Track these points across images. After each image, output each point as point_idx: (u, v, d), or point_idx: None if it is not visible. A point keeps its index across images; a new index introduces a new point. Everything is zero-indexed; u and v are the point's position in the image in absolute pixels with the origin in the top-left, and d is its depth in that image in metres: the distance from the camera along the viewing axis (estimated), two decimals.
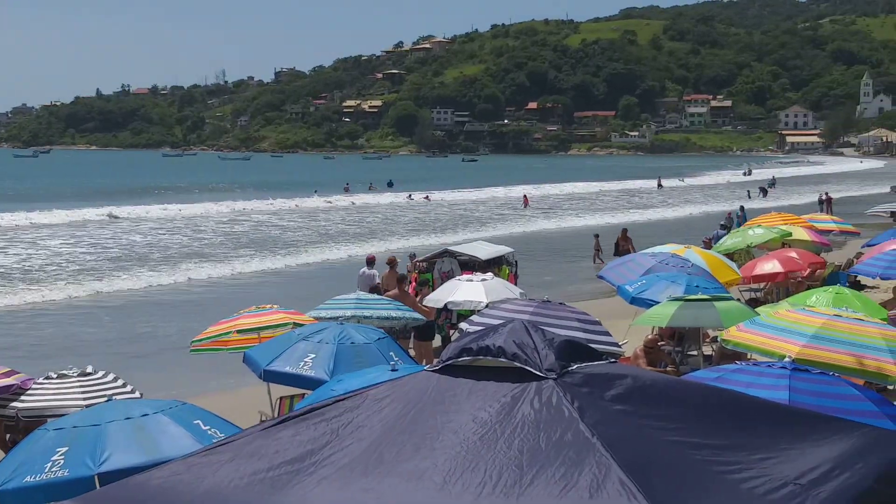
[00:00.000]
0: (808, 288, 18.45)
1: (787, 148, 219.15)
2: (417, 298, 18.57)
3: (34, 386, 9.92)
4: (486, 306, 15.77)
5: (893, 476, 3.74)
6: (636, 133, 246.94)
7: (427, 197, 76.51)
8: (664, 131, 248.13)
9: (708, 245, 27.07)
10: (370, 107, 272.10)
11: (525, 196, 73.23)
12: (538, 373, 3.93)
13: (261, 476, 3.84)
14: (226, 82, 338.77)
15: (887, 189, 73.96)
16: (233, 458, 3.98)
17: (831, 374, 8.30)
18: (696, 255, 20.66)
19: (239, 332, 14.06)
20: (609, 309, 20.41)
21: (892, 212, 44.88)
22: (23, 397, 9.77)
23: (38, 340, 22.35)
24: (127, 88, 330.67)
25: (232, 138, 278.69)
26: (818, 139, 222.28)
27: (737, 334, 11.16)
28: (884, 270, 19.91)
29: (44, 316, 25.82)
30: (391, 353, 10.95)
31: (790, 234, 25.91)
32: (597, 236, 36.23)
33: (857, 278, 23.37)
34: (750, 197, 72.98)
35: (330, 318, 13.64)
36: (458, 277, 18.84)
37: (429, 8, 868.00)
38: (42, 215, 55.60)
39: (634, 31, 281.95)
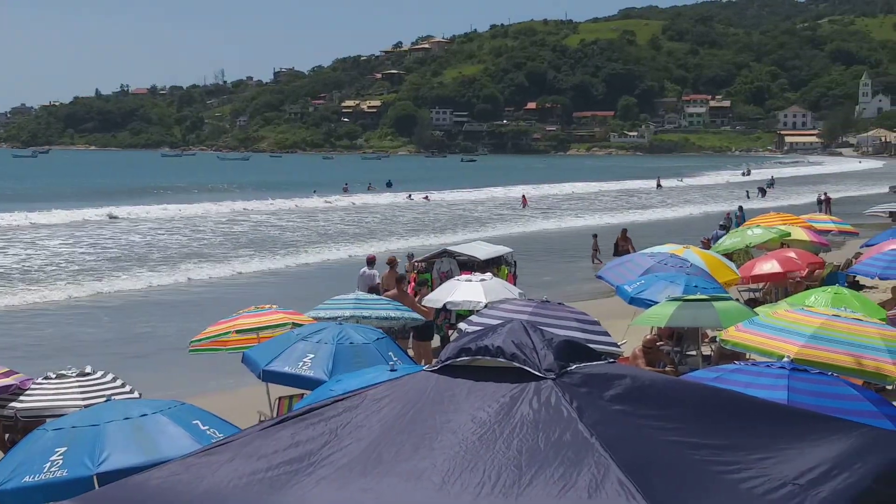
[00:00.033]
0: (807, 288, 18.45)
1: (785, 148, 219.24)
2: (416, 298, 18.57)
3: (33, 386, 9.92)
4: (485, 306, 15.78)
5: (892, 476, 3.74)
6: (635, 133, 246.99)
7: (426, 197, 76.53)
8: (663, 131, 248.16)
9: (706, 245, 27.08)
10: (369, 107, 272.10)
11: (524, 196, 73.26)
12: (537, 373, 3.93)
13: (259, 476, 3.84)
14: (225, 82, 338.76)
15: (886, 189, 73.97)
16: (232, 459, 3.98)
17: (830, 374, 8.30)
18: (694, 255, 20.67)
19: (238, 332, 14.07)
20: (608, 309, 20.41)
21: (890, 212, 44.91)
22: (21, 397, 9.77)
23: (36, 340, 22.35)
24: (126, 88, 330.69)
25: (231, 138, 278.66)
26: (817, 139, 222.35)
27: (735, 334, 11.17)
28: (882, 270, 19.91)
29: (42, 316, 25.82)
30: (390, 354, 10.96)
31: (789, 235, 25.92)
32: (595, 236, 36.25)
33: (856, 278, 23.38)
34: (749, 197, 73.01)
35: (329, 319, 13.64)
36: (456, 277, 18.85)
37: (428, 8, 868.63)
38: (41, 215, 55.58)
39: (633, 32, 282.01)
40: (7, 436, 9.84)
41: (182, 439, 7.04)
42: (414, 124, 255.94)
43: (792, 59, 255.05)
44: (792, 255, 21.96)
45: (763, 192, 77.45)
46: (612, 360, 4.31)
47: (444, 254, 23.31)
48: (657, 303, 15.32)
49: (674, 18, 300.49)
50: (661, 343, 16.44)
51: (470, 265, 21.95)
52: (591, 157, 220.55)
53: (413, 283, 21.09)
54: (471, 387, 4.01)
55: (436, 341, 19.25)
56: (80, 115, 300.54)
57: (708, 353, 16.38)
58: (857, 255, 25.92)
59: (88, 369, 9.99)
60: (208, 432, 7.20)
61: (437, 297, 17.80)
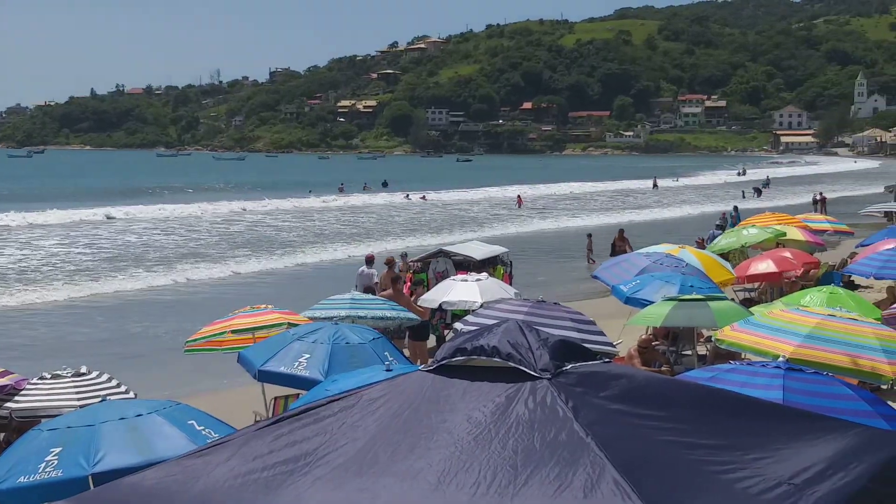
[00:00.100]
0: (803, 288, 18.47)
1: (781, 148, 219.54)
2: (412, 298, 18.57)
3: (28, 386, 9.91)
4: (481, 306, 15.78)
5: (887, 476, 3.74)
6: (631, 133, 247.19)
7: (424, 197, 76.56)
8: (659, 131, 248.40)
9: (701, 245, 27.12)
10: (365, 107, 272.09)
11: (519, 196, 73.29)
12: (532, 373, 3.93)
13: (255, 476, 3.84)
14: (220, 82, 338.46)
15: (881, 189, 74.02)
16: (227, 459, 3.97)
17: (825, 373, 8.31)
18: (690, 255, 20.69)
19: (233, 332, 14.06)
20: (603, 309, 20.44)
21: (886, 211, 44.92)
22: (17, 398, 9.75)
23: (32, 341, 22.33)
24: (121, 88, 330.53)
25: (226, 138, 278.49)
26: (812, 139, 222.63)
27: (731, 334, 11.18)
28: (878, 270, 19.93)
29: (38, 316, 25.79)
30: (386, 354, 10.95)
31: (784, 234, 25.95)
32: (590, 236, 36.27)
33: (851, 278, 23.42)
34: (744, 197, 73.11)
35: (325, 319, 13.65)
36: (452, 277, 18.84)
37: (423, 8, 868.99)
38: (37, 215, 55.50)
39: (629, 31, 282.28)
40: (2, 436, 9.82)
41: (177, 439, 7.03)
42: (410, 124, 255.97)
43: (787, 59, 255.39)
44: (787, 254, 21.99)
45: (759, 191, 77.57)
46: (607, 359, 4.31)
47: (440, 254, 23.31)
48: (653, 302, 15.33)
49: (669, 18, 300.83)
50: (657, 343, 16.45)
51: (466, 265, 21.96)
52: (586, 157, 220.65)
53: (409, 283, 21.10)
54: (466, 387, 4.01)
55: (431, 341, 19.24)
56: (76, 114, 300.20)
57: (703, 352, 16.38)
58: (853, 254, 25.98)
59: (84, 369, 9.98)
60: (204, 432, 7.20)
61: (433, 297, 17.80)
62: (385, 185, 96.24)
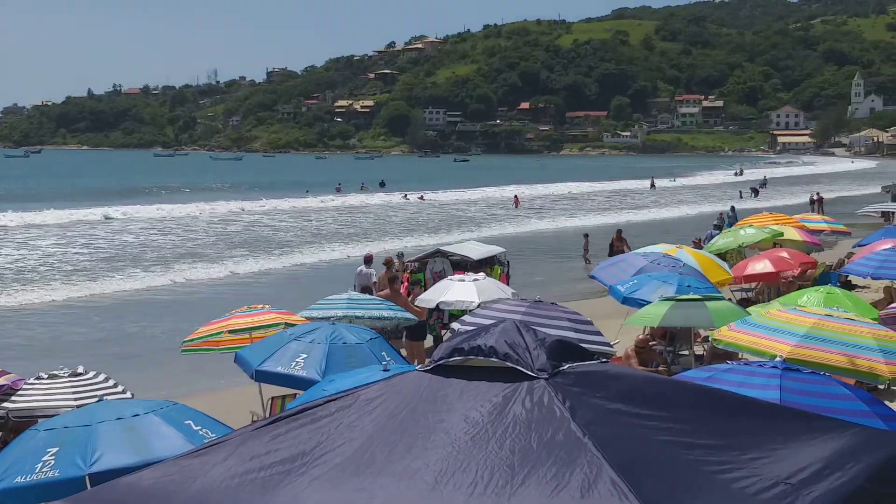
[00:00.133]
0: (800, 288, 18.50)
1: (778, 148, 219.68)
2: (409, 298, 18.57)
3: (25, 386, 9.90)
4: (478, 306, 15.77)
5: (884, 475, 3.75)
6: (628, 133, 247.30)
7: (422, 197, 76.57)
8: (656, 131, 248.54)
9: (698, 245, 27.12)
10: (362, 107, 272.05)
11: (516, 196, 73.30)
12: (530, 373, 3.93)
13: (252, 476, 3.83)
14: (217, 82, 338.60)
15: (878, 189, 74.08)
16: (224, 459, 3.97)
17: (822, 373, 8.31)
18: (687, 255, 20.70)
19: (230, 332, 14.05)
20: (601, 309, 20.44)
21: (882, 212, 44.96)
22: (13, 398, 9.74)
23: (29, 341, 22.31)
24: (118, 88, 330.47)
25: (223, 138, 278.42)
26: (809, 139, 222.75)
27: (728, 334, 11.18)
28: (875, 270, 19.95)
29: (35, 316, 25.77)
30: (383, 353, 10.96)
31: (781, 234, 25.97)
32: (586, 236, 36.29)
33: (848, 278, 23.43)
34: (741, 197, 73.17)
35: (322, 319, 13.63)
36: (450, 277, 18.84)
37: (421, 8, 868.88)
38: (34, 215, 55.47)
39: (626, 32, 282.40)
40: None
41: (174, 439, 7.02)
42: (407, 124, 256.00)
43: (784, 60, 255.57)
44: (784, 254, 22.00)
45: (756, 192, 77.63)
46: (604, 359, 4.31)
47: (438, 254, 23.31)
48: (650, 302, 15.33)
49: (667, 19, 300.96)
50: (654, 343, 16.47)
51: (463, 265, 21.95)
52: (584, 157, 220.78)
53: (406, 283, 21.10)
54: (463, 387, 4.01)
55: (429, 341, 19.24)
56: (73, 114, 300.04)
57: (700, 352, 16.40)
58: (850, 254, 25.98)
59: (81, 369, 9.97)
60: (201, 432, 7.19)
61: (430, 297, 17.80)
62: (382, 185, 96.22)
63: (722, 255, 24.06)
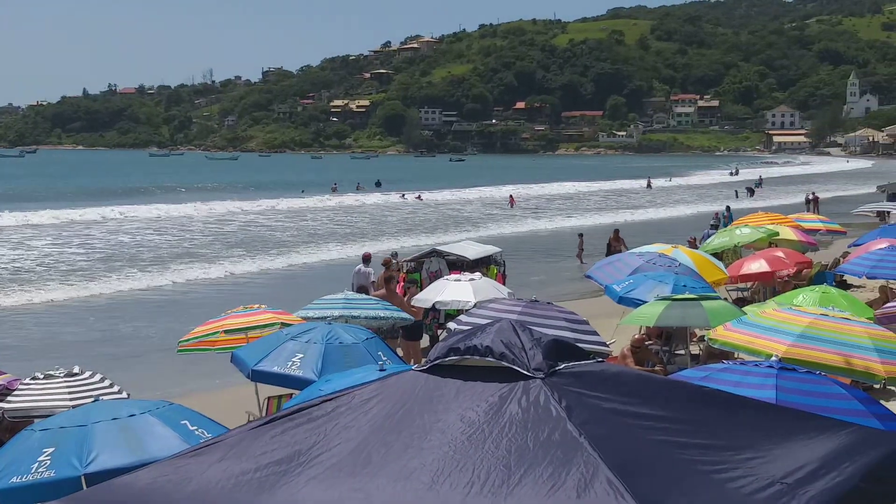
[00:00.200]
0: (795, 287, 18.49)
1: (773, 148, 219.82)
2: (405, 298, 18.56)
3: (20, 386, 9.87)
4: (474, 306, 15.77)
5: (880, 475, 3.75)
6: (624, 133, 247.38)
7: (419, 196, 76.56)
8: (651, 131, 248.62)
9: (693, 244, 27.13)
10: (358, 106, 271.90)
11: (511, 196, 73.32)
12: (526, 372, 3.93)
13: (248, 476, 3.83)
14: (213, 82, 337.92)
15: (873, 189, 74.15)
16: (220, 459, 3.97)
17: (818, 373, 8.32)
18: (683, 254, 20.69)
19: (226, 332, 14.03)
20: (597, 308, 20.44)
21: (878, 211, 45.00)
22: (9, 398, 9.72)
23: (24, 341, 22.27)
24: (114, 88, 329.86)
25: (219, 138, 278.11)
26: (805, 139, 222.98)
27: (724, 333, 11.19)
28: (870, 270, 19.98)
29: (31, 316, 25.74)
30: (379, 353, 10.95)
31: (777, 234, 25.97)
32: (581, 235, 36.31)
33: (844, 277, 23.45)
34: (737, 196, 73.22)
35: (318, 318, 13.62)
36: (446, 277, 18.83)
37: (416, 8, 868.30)
38: (29, 215, 55.37)
39: (622, 31, 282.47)
40: None
41: (170, 440, 7.01)
42: (403, 124, 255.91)
43: (780, 59, 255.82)
44: (780, 254, 22.00)
45: (751, 191, 77.69)
46: (600, 359, 4.31)
47: (434, 253, 23.30)
48: (646, 302, 15.33)
49: (662, 18, 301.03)
50: (650, 342, 16.48)
51: (459, 265, 21.94)
52: (579, 157, 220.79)
53: (402, 283, 21.08)
54: (460, 386, 4.01)
55: (425, 341, 19.24)
56: (68, 114, 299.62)
57: (696, 352, 16.41)
58: (845, 254, 26.02)
59: (76, 369, 9.95)
60: (197, 432, 7.18)
61: (427, 297, 17.79)
62: (378, 184, 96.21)
63: (718, 255, 24.07)
